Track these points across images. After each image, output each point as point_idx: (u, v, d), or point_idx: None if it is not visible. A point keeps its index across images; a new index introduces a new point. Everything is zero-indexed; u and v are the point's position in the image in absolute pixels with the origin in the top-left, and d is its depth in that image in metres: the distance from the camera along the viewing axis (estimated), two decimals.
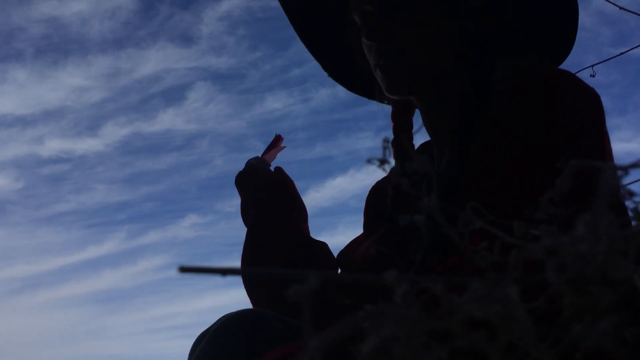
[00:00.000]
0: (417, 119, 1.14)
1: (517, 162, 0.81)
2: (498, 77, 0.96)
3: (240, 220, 1.27)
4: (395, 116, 1.16)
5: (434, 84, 1.02)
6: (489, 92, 0.95)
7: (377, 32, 1.00)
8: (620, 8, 1.62)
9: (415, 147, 1.20)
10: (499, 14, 1.03)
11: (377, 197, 1.21)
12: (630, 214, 0.37)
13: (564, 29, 1.04)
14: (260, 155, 1.31)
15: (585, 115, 0.85)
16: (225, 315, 1.02)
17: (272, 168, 1.30)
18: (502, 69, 0.97)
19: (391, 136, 1.17)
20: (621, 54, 1.66)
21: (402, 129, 1.15)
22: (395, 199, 1.10)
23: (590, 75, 1.74)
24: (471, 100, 0.98)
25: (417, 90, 1.02)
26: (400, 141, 1.12)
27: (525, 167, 0.80)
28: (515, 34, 1.05)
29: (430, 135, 1.09)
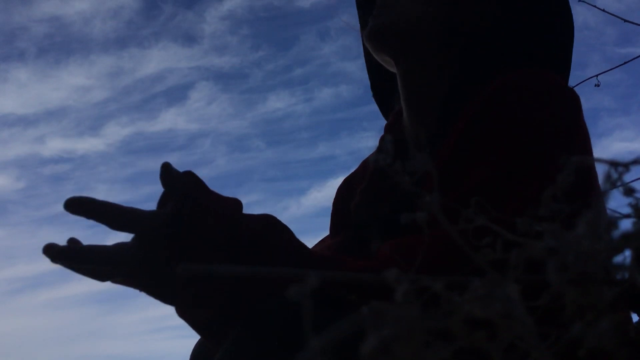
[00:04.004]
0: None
1: (493, 156, 0.84)
2: (484, 77, 0.99)
3: None
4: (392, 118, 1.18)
5: (416, 49, 1.06)
6: (474, 87, 0.98)
7: None
8: (603, 10, 1.65)
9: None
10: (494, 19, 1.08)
11: (348, 191, 1.23)
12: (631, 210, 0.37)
13: (558, 37, 1.09)
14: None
15: (559, 114, 0.88)
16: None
17: None
18: (488, 71, 1.01)
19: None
20: (627, 61, 1.66)
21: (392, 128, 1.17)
22: (368, 191, 1.12)
23: (595, 85, 1.75)
24: (457, 86, 1.02)
25: (397, 48, 1.07)
26: (400, 140, 1.12)
27: (499, 162, 0.83)
28: (508, 41, 1.09)
29: (405, 105, 1.11)
